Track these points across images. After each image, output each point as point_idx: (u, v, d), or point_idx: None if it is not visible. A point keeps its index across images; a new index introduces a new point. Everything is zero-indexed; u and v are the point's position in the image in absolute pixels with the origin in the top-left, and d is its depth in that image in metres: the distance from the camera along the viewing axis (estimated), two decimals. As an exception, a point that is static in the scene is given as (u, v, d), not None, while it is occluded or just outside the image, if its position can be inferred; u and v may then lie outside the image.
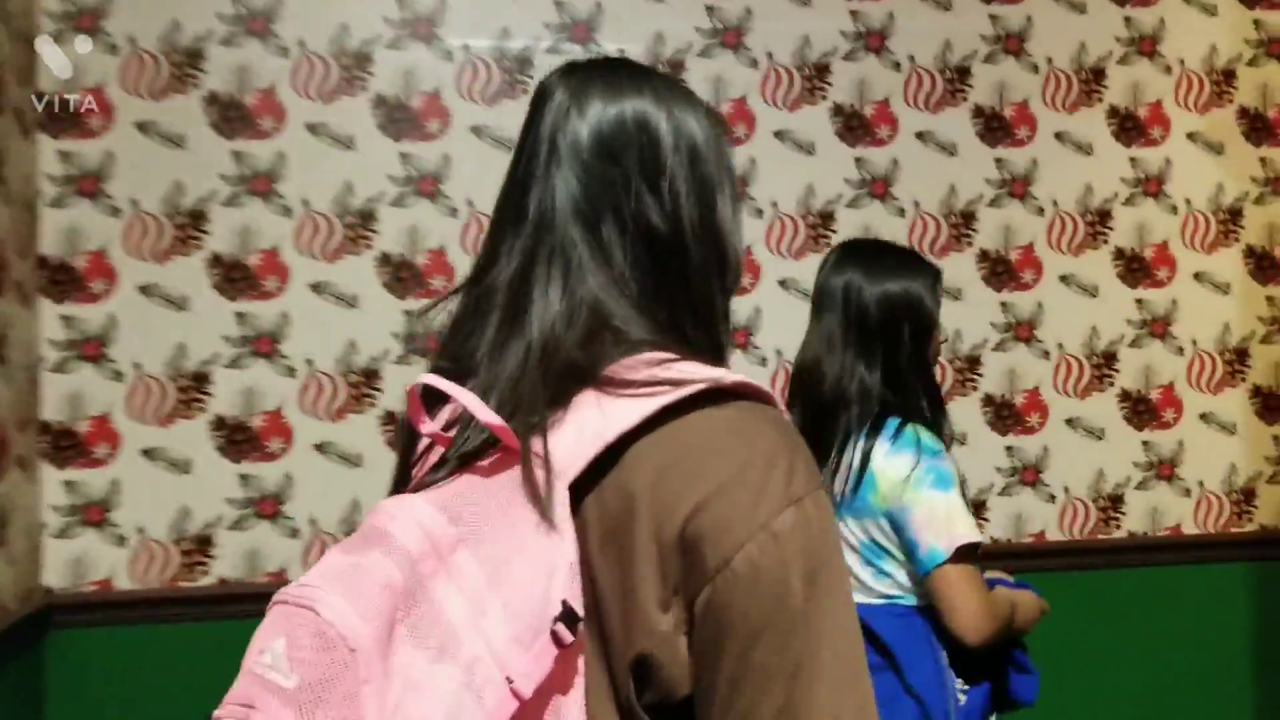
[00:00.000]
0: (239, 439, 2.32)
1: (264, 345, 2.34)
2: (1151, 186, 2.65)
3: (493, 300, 0.80)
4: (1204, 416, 2.70)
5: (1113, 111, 2.66)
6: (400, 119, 2.39)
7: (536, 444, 0.71)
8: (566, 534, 0.68)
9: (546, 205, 0.79)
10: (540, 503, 0.68)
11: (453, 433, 0.76)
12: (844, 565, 0.73)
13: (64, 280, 2.28)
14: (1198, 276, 2.71)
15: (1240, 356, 2.71)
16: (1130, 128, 2.65)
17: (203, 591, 2.28)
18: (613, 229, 0.79)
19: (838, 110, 2.55)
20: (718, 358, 0.82)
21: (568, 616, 0.66)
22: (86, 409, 2.27)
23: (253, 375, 2.33)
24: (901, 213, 2.57)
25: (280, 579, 2.30)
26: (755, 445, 0.72)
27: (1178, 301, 2.69)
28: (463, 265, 2.39)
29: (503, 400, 0.74)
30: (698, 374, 0.73)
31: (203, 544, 2.30)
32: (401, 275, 2.38)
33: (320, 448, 2.35)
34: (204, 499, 2.30)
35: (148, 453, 2.29)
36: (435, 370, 0.81)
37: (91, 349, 2.28)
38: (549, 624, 0.66)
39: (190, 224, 2.32)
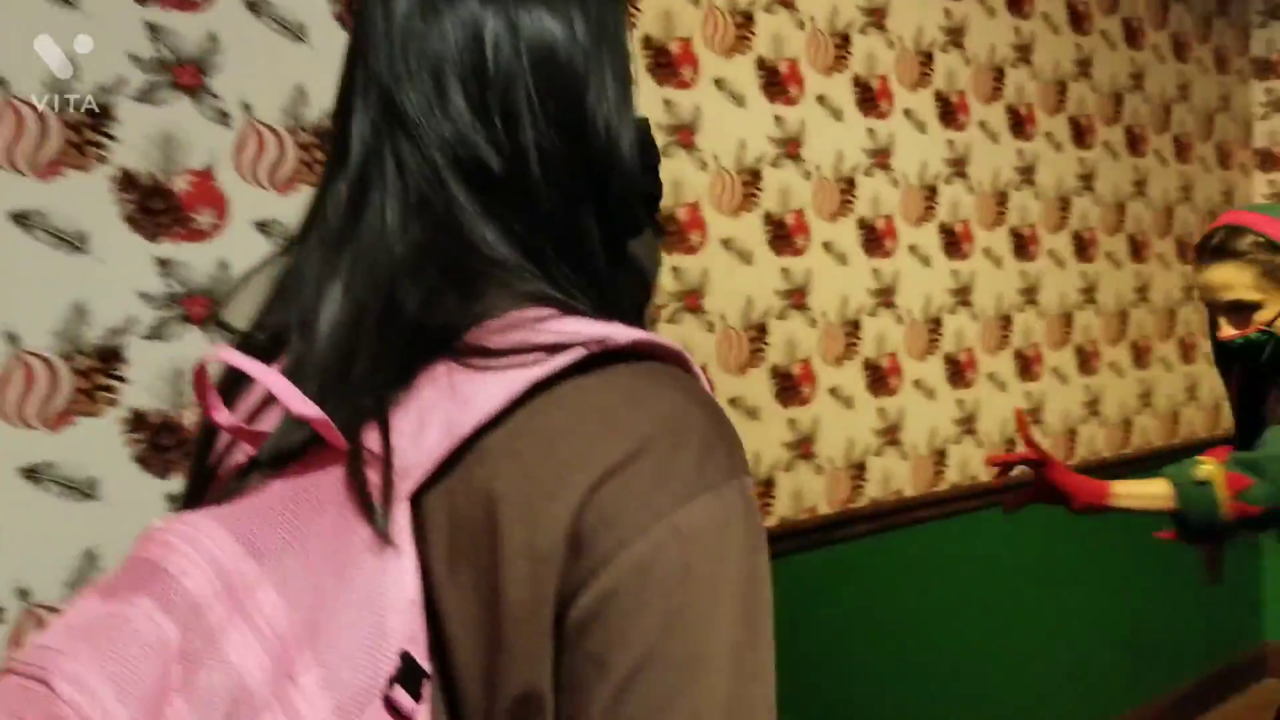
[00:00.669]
0: None
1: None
2: (684, 137, 2.37)
3: (313, 256, 0.64)
4: (733, 401, 2.44)
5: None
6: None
7: (372, 439, 0.55)
8: (406, 560, 0.53)
9: (367, 142, 0.64)
10: (373, 519, 0.53)
11: (263, 424, 0.61)
12: (770, 594, 0.57)
13: None
14: (726, 243, 2.42)
15: (761, 332, 2.50)
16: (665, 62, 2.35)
17: None
18: (449, 166, 0.63)
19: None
20: (608, 309, 0.64)
21: (409, 674, 0.52)
22: None
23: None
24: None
25: None
26: (658, 417, 0.56)
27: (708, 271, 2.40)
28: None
29: (326, 379, 0.58)
30: (579, 333, 0.57)
31: None
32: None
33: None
34: None
35: None
36: (244, 342, 0.65)
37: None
38: (382, 686, 0.51)
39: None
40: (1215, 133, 4.03)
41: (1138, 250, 3.68)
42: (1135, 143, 3.66)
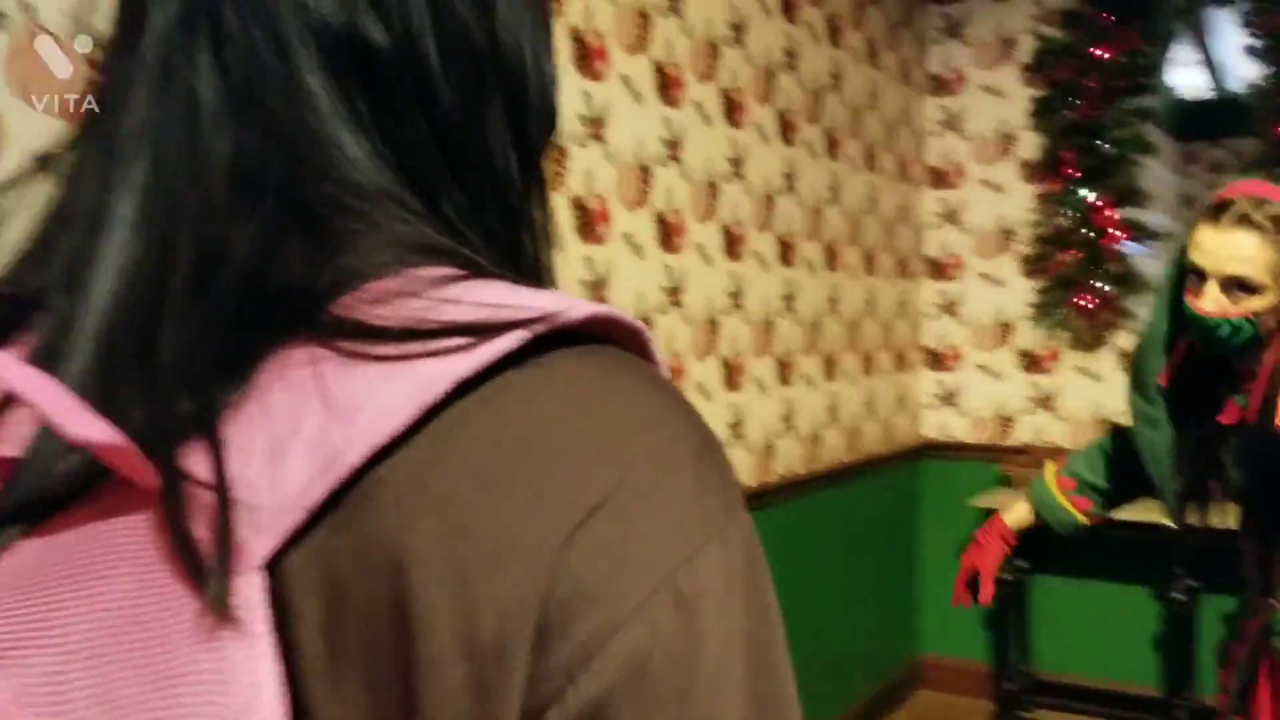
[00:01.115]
0: None
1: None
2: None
3: (88, 177, 0.42)
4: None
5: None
6: None
7: (196, 464, 0.36)
8: (264, 670, 0.34)
9: (170, 7, 0.42)
10: (209, 592, 0.34)
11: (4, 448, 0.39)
12: (791, 675, 0.41)
13: None
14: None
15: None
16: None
17: None
18: (303, 38, 0.42)
19: None
20: (523, 266, 0.48)
21: None
22: None
23: None
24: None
25: None
26: (635, 429, 0.38)
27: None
28: None
29: (108, 361, 0.38)
30: (521, 306, 0.38)
31: None
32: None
33: None
34: None
35: None
36: None
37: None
38: None
39: None
40: (898, 144, 4.00)
41: (830, 258, 3.54)
42: (832, 145, 3.53)
